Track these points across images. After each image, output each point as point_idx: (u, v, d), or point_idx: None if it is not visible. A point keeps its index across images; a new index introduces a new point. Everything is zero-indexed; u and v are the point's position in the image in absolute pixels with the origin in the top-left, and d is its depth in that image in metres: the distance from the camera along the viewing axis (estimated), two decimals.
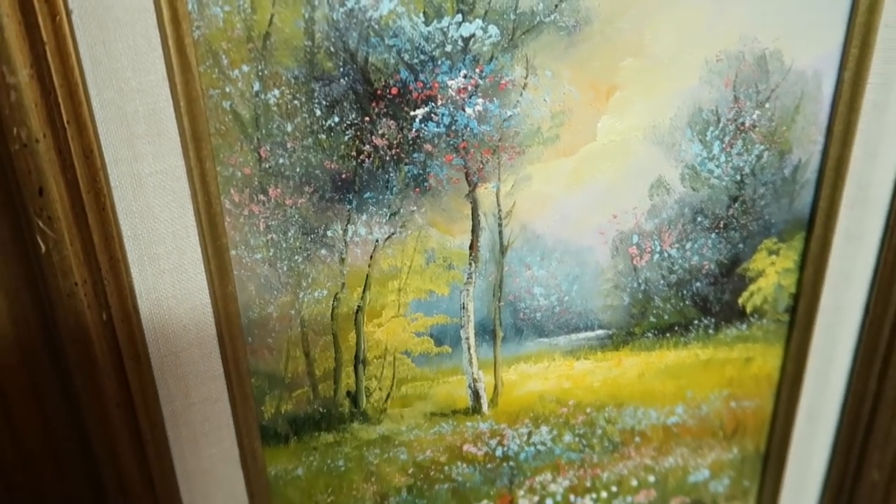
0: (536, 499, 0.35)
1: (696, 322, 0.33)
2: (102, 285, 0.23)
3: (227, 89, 0.24)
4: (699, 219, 0.31)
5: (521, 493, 0.35)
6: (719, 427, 0.37)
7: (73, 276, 0.22)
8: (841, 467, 0.38)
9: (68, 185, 0.21)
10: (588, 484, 0.36)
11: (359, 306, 0.28)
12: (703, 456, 0.37)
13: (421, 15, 0.24)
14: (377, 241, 0.27)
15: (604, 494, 0.36)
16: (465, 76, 0.26)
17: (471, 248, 0.29)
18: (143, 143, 0.23)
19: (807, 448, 0.38)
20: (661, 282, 0.32)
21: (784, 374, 0.36)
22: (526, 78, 0.26)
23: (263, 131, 0.25)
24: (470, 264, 0.29)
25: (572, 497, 0.36)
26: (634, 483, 0.36)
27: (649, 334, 0.33)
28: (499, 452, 0.33)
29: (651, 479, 0.37)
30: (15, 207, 0.22)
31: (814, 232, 0.32)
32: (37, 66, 0.20)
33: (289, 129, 0.25)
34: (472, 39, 0.25)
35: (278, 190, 0.25)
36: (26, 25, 0.19)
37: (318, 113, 0.25)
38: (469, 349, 0.30)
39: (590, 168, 0.28)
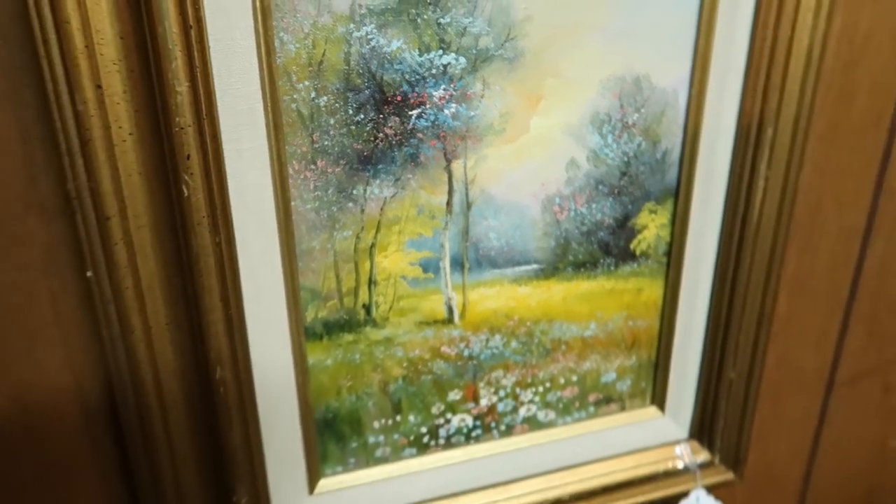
0: (492, 390, 0.49)
1: (601, 261, 0.48)
2: (216, 219, 0.36)
3: (295, 96, 0.37)
4: (600, 187, 0.45)
5: (482, 385, 0.48)
6: (621, 340, 0.51)
7: (202, 211, 0.35)
8: (707, 370, 0.53)
9: (203, 154, 0.34)
10: (529, 380, 0.50)
11: (372, 243, 0.42)
12: (611, 362, 0.52)
13: (416, 50, 0.38)
14: (385, 198, 0.41)
15: (540, 389, 0.50)
16: (444, 89, 0.40)
17: (447, 204, 0.42)
18: (244, 129, 0.36)
19: (683, 356, 0.53)
20: (576, 231, 0.46)
21: (665, 300, 0.51)
22: (483, 91, 0.40)
23: (315, 123, 0.38)
24: (446, 215, 0.43)
25: (518, 390, 0.50)
26: (562, 381, 0.51)
27: (569, 269, 0.47)
28: (465, 353, 0.47)
29: (574, 378, 0.51)
30: (166, 170, 0.35)
31: (679, 198, 0.47)
32: (191, 80, 0.33)
33: (332, 122, 0.38)
34: (449, 65, 0.39)
35: (323, 162, 0.39)
36: (188, 57, 0.33)
37: (350, 112, 0.38)
38: (445, 276, 0.44)
39: (525, 151, 0.43)
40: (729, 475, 0.59)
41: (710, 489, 0.59)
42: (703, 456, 0.56)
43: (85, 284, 0.38)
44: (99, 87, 0.32)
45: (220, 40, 0.34)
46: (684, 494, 0.58)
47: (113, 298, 0.37)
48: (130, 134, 0.34)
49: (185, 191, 0.35)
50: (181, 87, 0.33)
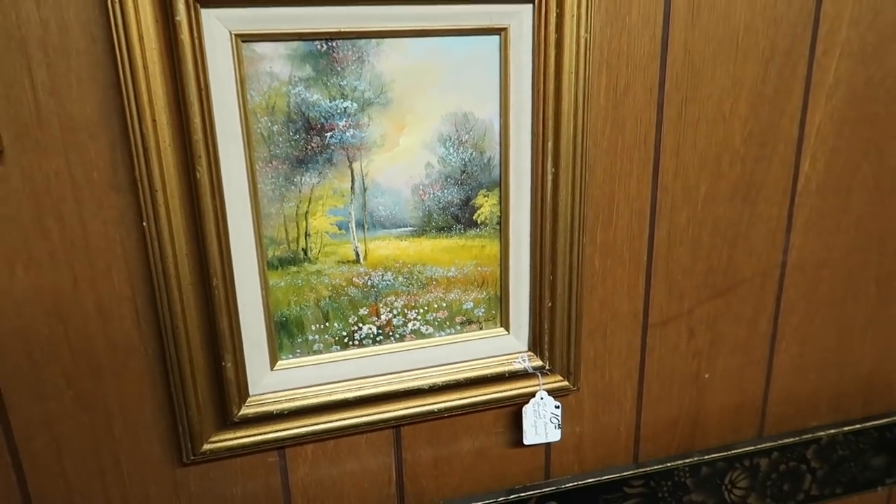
0: (389, 309, 0.77)
1: (454, 226, 0.76)
2: (214, 193, 0.66)
3: (259, 125, 0.67)
4: (449, 179, 0.74)
5: (381, 305, 0.77)
6: (474, 280, 0.79)
7: (206, 187, 0.65)
8: (533, 301, 0.81)
9: (208, 156, 0.64)
10: (413, 304, 0.78)
11: (306, 210, 0.71)
12: (468, 294, 0.80)
13: (328, 99, 0.68)
14: (313, 183, 0.70)
15: (421, 311, 0.78)
16: (345, 121, 0.69)
17: (351, 188, 0.72)
18: (231, 143, 0.66)
19: (517, 291, 0.81)
20: (436, 207, 0.75)
21: (501, 253, 0.79)
22: (368, 122, 0.70)
23: (271, 140, 0.68)
24: (351, 195, 0.72)
25: (406, 310, 0.78)
26: (436, 306, 0.79)
27: (433, 231, 0.76)
28: (369, 283, 0.75)
29: (444, 304, 0.79)
30: (188, 165, 0.64)
31: (502, 186, 0.76)
32: (202, 117, 0.63)
33: (280, 140, 0.68)
34: (347, 108, 0.69)
35: (276, 162, 0.69)
36: (200, 104, 0.63)
37: (291, 134, 0.68)
38: (352, 232, 0.73)
39: (398, 157, 0.72)
40: (565, 382, 0.87)
41: (553, 393, 0.87)
42: (538, 363, 0.83)
43: (141, 231, 0.67)
44: (154, 120, 0.63)
45: (218, 96, 0.64)
46: (533, 395, 0.86)
47: (157, 238, 0.66)
48: (169, 145, 0.64)
49: (199, 175, 0.64)
50: (196, 121, 0.63)
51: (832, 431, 0.98)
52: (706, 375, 0.96)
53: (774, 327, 0.97)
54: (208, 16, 0.61)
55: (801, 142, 0.88)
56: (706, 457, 0.94)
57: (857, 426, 0.99)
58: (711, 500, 0.95)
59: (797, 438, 0.96)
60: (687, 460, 0.93)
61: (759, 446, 0.95)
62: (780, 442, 0.95)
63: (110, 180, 0.66)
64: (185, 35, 0.61)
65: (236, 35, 0.63)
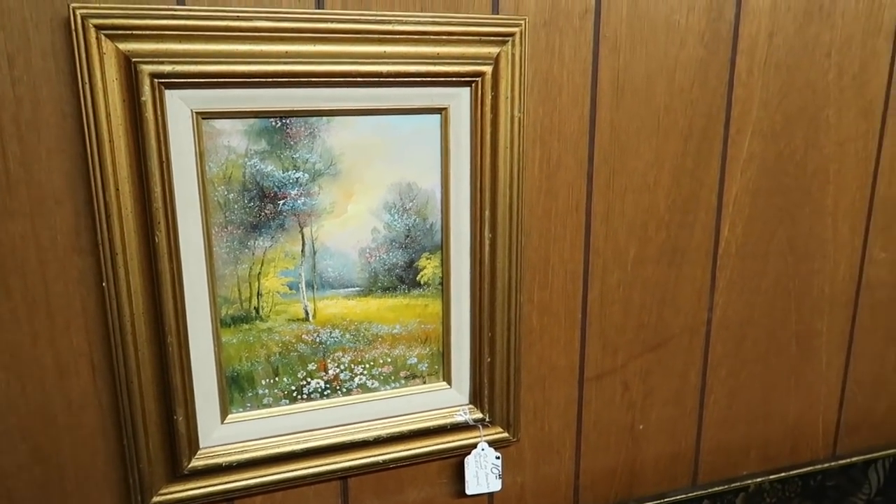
0: (336, 364, 0.82)
1: (399, 287, 0.82)
2: (171, 255, 0.70)
3: (216, 193, 0.72)
4: (394, 243, 0.80)
5: (329, 361, 0.81)
6: (418, 337, 0.85)
7: (164, 250, 0.70)
8: (473, 357, 0.86)
9: (167, 221, 0.69)
10: (359, 359, 0.83)
11: (259, 272, 0.76)
12: (413, 350, 0.85)
13: (281, 170, 0.74)
14: (266, 247, 0.76)
15: (367, 366, 0.83)
16: (297, 190, 0.75)
17: (301, 251, 0.77)
18: (189, 209, 0.71)
19: (458, 347, 0.86)
20: (382, 268, 0.81)
21: (443, 312, 0.84)
22: (319, 191, 0.76)
23: (227, 207, 0.73)
24: (301, 257, 0.77)
25: (353, 366, 0.83)
26: (381, 361, 0.84)
27: (379, 290, 0.81)
28: (317, 339, 0.80)
29: (389, 360, 0.84)
30: (147, 229, 0.69)
31: (443, 250, 0.82)
32: (162, 187, 0.68)
33: (236, 206, 0.73)
34: (299, 178, 0.75)
35: (231, 227, 0.74)
36: (161, 174, 0.68)
37: (246, 201, 0.74)
38: (302, 292, 0.78)
39: (346, 223, 0.78)
40: (505, 434, 0.91)
41: (494, 444, 0.91)
42: (479, 415, 0.88)
43: (101, 291, 0.72)
44: (117, 189, 0.68)
45: (178, 167, 0.69)
46: (475, 446, 0.90)
47: (116, 297, 0.70)
48: (131, 212, 0.69)
49: (157, 240, 0.69)
50: (157, 190, 0.68)
51: (759, 480, 1.04)
52: (641, 426, 1.02)
53: (703, 381, 1.03)
54: (172, 96, 0.67)
55: (720, 210, 0.96)
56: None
57: (783, 474, 1.05)
58: None
59: (726, 487, 1.02)
60: None
61: (691, 494, 1.00)
62: (710, 490, 1.01)
63: (73, 243, 0.71)
64: (149, 113, 0.67)
65: (197, 113, 0.69)
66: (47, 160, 0.68)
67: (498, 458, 0.90)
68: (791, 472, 1.06)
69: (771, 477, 1.05)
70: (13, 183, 0.68)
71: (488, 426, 0.89)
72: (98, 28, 0.65)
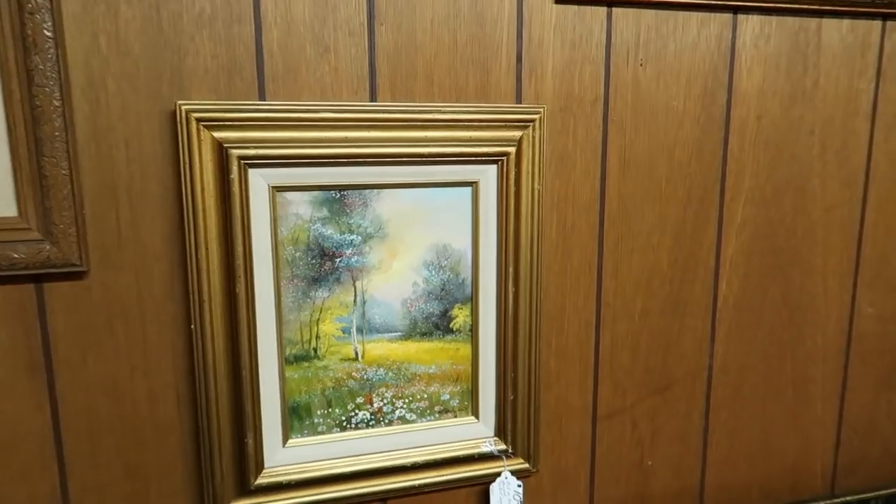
0: (380, 399, 0.95)
1: (435, 332, 0.96)
2: (249, 305, 0.85)
3: (285, 252, 0.87)
4: (431, 295, 0.94)
5: (374, 395, 0.95)
6: (450, 376, 0.98)
7: (244, 301, 0.84)
8: (498, 395, 0.99)
9: (246, 278, 0.84)
10: (400, 395, 0.96)
11: (318, 318, 0.90)
12: (446, 387, 0.98)
13: (339, 233, 0.89)
14: (324, 297, 0.90)
15: (407, 400, 0.96)
16: (350, 250, 0.90)
17: (354, 301, 0.91)
18: (264, 267, 0.86)
19: (486, 386, 0.99)
20: (420, 316, 0.95)
21: (472, 355, 0.98)
22: (369, 250, 0.91)
23: (294, 263, 0.88)
24: (353, 306, 0.91)
25: (394, 400, 0.96)
26: (419, 397, 0.97)
27: (418, 335, 0.95)
28: (365, 376, 0.94)
29: (426, 395, 0.97)
30: (231, 282, 0.84)
31: (473, 301, 0.96)
32: (244, 247, 0.83)
33: (301, 263, 0.88)
34: (353, 240, 0.90)
35: (296, 280, 0.88)
36: (243, 238, 0.83)
37: (309, 259, 0.89)
38: (353, 335, 0.92)
39: (391, 277, 0.92)
40: (526, 465, 1.03)
41: (516, 474, 1.03)
42: (503, 447, 1.00)
43: (189, 332, 0.86)
44: (207, 249, 0.83)
45: (256, 231, 0.85)
46: (499, 474, 1.02)
47: (201, 337, 0.85)
48: (217, 267, 0.84)
49: (237, 290, 0.84)
50: (239, 250, 0.83)
51: None
52: (649, 462, 1.13)
53: (706, 421, 1.14)
54: (254, 174, 0.83)
55: (718, 268, 1.09)
56: None
57: None
58: None
59: None
60: None
61: None
62: None
63: (168, 292, 0.86)
64: (235, 188, 0.82)
65: (273, 187, 0.85)
66: (151, 224, 0.84)
67: (520, 485, 1.02)
68: None
69: None
70: (123, 242, 0.84)
71: (511, 457, 1.01)
72: (198, 120, 0.81)
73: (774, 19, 1.03)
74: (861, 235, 1.15)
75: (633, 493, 1.13)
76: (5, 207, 0.78)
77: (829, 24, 1.06)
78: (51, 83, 0.76)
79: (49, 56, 0.76)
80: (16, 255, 0.78)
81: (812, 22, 1.05)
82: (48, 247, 0.79)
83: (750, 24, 1.02)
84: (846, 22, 1.07)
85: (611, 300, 1.05)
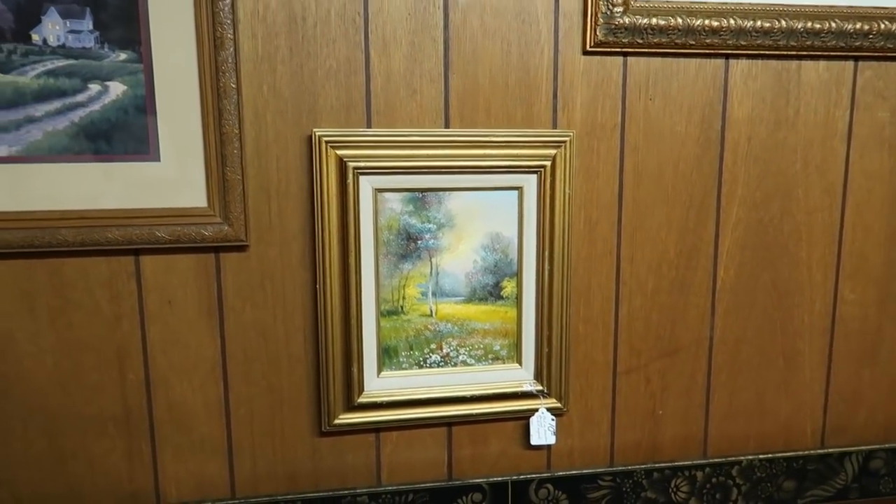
0: (448, 346, 1.29)
1: (489, 298, 1.28)
2: (357, 278, 1.21)
3: (382, 235, 1.22)
4: (487, 270, 1.27)
5: (443, 343, 1.28)
6: (501, 331, 1.30)
7: (352, 277, 1.20)
8: (537, 347, 1.31)
9: (356, 269, 1.20)
10: (462, 344, 1.29)
11: (404, 284, 1.25)
12: (497, 340, 1.30)
13: (420, 223, 1.23)
14: (409, 269, 1.25)
15: (467, 349, 1.29)
16: (427, 235, 1.24)
17: (430, 272, 1.26)
18: (366, 249, 1.21)
19: (527, 341, 1.31)
20: (479, 286, 1.28)
21: (517, 316, 1.30)
22: (441, 235, 1.25)
23: (387, 244, 1.23)
24: (430, 276, 1.26)
25: (458, 348, 1.29)
26: (476, 347, 1.30)
27: (476, 300, 1.28)
28: (436, 329, 1.28)
29: (481, 346, 1.30)
30: (347, 257, 1.20)
31: (517, 276, 1.28)
32: (356, 241, 1.19)
33: (392, 244, 1.23)
34: (430, 228, 1.24)
35: (389, 255, 1.24)
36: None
37: (400, 241, 1.23)
38: (429, 298, 1.26)
39: (457, 256, 1.25)
40: (558, 404, 1.34)
41: (551, 411, 1.34)
42: (540, 388, 1.32)
43: (314, 291, 1.23)
44: (329, 232, 1.19)
45: (363, 219, 1.20)
46: (537, 410, 1.34)
47: (323, 294, 1.21)
48: (336, 245, 1.20)
49: (349, 261, 1.20)
50: (351, 233, 1.19)
51: (750, 457, 1.41)
52: (660, 412, 1.42)
53: (708, 381, 1.42)
54: (363, 180, 1.19)
55: (716, 258, 1.38)
56: (657, 464, 1.38)
57: (770, 455, 1.41)
58: (661, 499, 1.39)
59: (723, 459, 1.39)
60: (643, 466, 1.37)
61: (695, 462, 1.38)
62: (710, 460, 1.39)
63: (301, 262, 1.22)
64: (350, 190, 1.18)
65: (375, 189, 1.20)
66: (291, 214, 1.21)
67: (553, 419, 1.33)
68: (776, 455, 1.42)
69: (760, 456, 1.42)
70: (272, 226, 1.21)
71: (547, 396, 1.33)
72: (326, 142, 1.17)
73: (760, 62, 1.32)
74: (841, 235, 1.41)
75: (646, 436, 1.42)
76: (199, 200, 1.17)
77: (807, 64, 1.34)
78: (232, 118, 1.14)
79: (233, 100, 1.14)
80: (205, 233, 1.17)
81: (793, 63, 1.33)
82: (226, 228, 1.17)
83: (740, 66, 1.31)
84: (822, 63, 1.34)
85: (627, 280, 1.35)
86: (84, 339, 1.18)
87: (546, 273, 1.28)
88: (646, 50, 1.26)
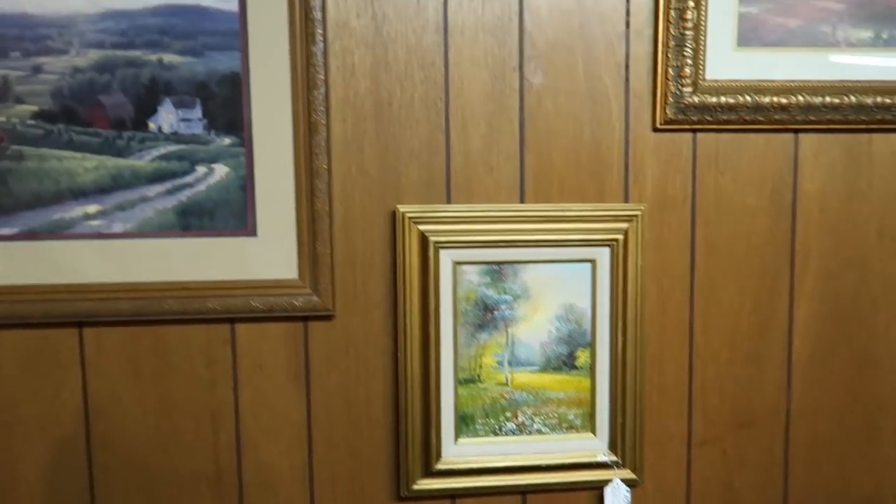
0: (523, 415, 1.31)
1: (563, 368, 1.31)
2: (437, 347, 1.26)
3: (461, 305, 1.28)
4: (561, 340, 1.30)
5: (519, 412, 1.31)
6: (575, 401, 1.32)
7: (432, 345, 1.25)
8: (613, 417, 1.32)
9: (435, 334, 1.25)
10: (537, 412, 1.32)
11: (481, 353, 1.29)
12: (571, 409, 1.32)
13: (497, 294, 1.28)
14: (486, 338, 1.29)
15: (542, 417, 1.32)
16: (503, 306, 1.29)
17: (506, 342, 1.30)
18: (447, 316, 1.27)
19: (601, 410, 1.32)
20: (553, 355, 1.31)
21: (591, 386, 1.32)
22: (514, 308, 1.29)
23: (464, 315, 1.28)
24: (506, 346, 1.30)
25: (533, 416, 1.32)
26: (552, 415, 1.32)
27: (551, 369, 1.31)
28: (512, 397, 1.31)
29: (556, 415, 1.32)
30: (427, 322, 1.25)
31: (591, 347, 1.31)
32: (435, 305, 1.25)
33: (471, 314, 1.28)
34: (505, 300, 1.29)
35: (468, 326, 1.29)
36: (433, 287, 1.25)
37: (477, 311, 1.28)
38: (505, 367, 1.30)
39: (533, 326, 1.29)
40: (633, 475, 1.35)
41: (625, 482, 1.34)
42: (615, 458, 1.33)
43: (395, 358, 1.28)
44: (410, 302, 1.25)
45: (442, 290, 1.26)
46: (611, 480, 1.34)
47: (404, 362, 1.26)
48: (416, 314, 1.26)
49: (430, 330, 1.25)
50: (431, 304, 1.25)
51: None
52: (737, 485, 1.40)
53: (786, 455, 1.40)
54: (443, 253, 1.25)
55: (791, 329, 1.38)
56: None
57: None
58: None
59: None
60: None
61: None
62: None
63: (384, 330, 1.28)
64: (430, 262, 1.25)
65: (454, 262, 1.26)
66: (375, 285, 1.28)
67: (628, 491, 1.33)
68: None
69: None
70: (357, 296, 1.28)
71: (621, 467, 1.34)
72: (409, 218, 1.25)
73: (831, 136, 1.34)
74: None
75: None
76: (291, 273, 1.25)
77: (878, 137, 1.35)
78: (323, 196, 1.23)
79: (324, 179, 1.22)
80: (296, 303, 1.24)
81: (863, 137, 1.35)
82: (315, 299, 1.25)
83: (809, 141, 1.34)
84: (894, 136, 1.36)
85: (700, 350, 1.36)
86: (182, 401, 1.26)
87: (619, 343, 1.30)
88: (715, 126, 1.30)
